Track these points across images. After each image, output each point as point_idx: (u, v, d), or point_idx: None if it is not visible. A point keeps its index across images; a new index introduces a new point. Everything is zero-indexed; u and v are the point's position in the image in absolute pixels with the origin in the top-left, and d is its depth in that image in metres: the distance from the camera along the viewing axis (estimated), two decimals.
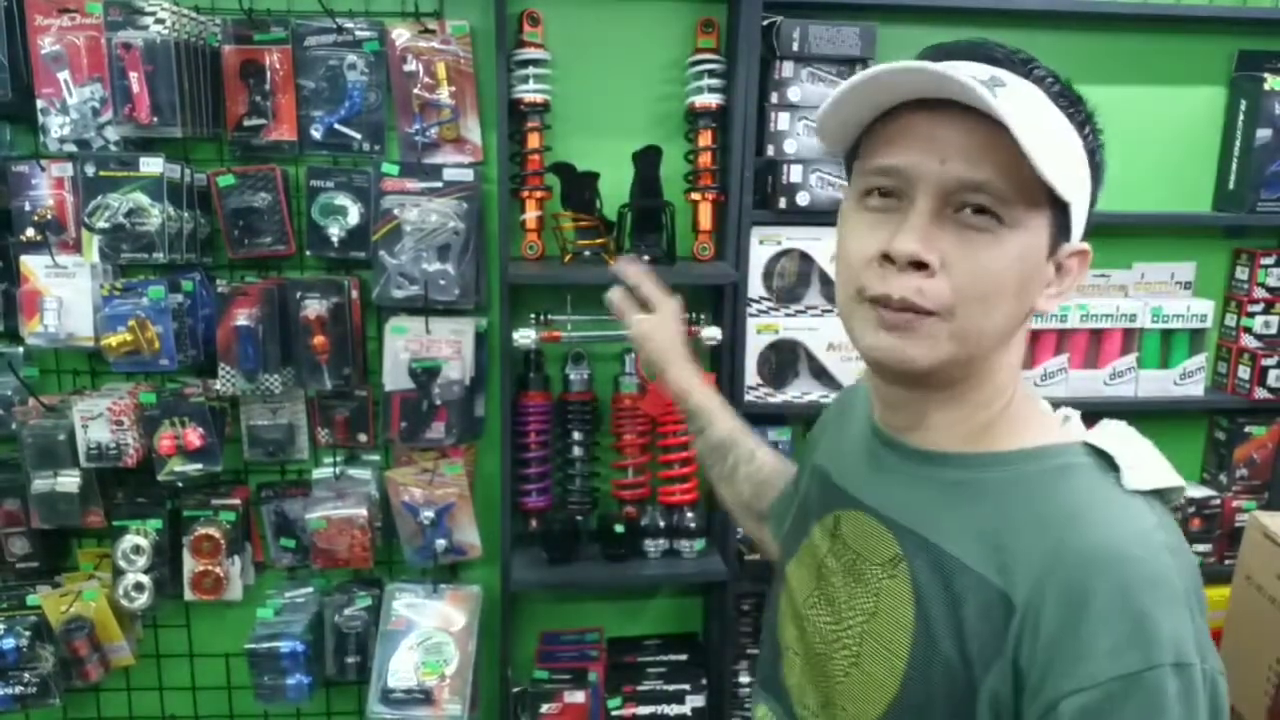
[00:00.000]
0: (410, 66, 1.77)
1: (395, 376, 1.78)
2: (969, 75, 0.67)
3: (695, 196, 1.85)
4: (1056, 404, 0.83)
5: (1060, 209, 0.71)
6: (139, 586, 1.82)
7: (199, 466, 1.78)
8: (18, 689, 1.80)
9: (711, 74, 1.79)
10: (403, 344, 1.77)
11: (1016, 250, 0.69)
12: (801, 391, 1.93)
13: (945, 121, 0.69)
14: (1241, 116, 1.98)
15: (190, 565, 1.84)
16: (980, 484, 0.75)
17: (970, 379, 0.75)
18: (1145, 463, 0.72)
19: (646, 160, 1.78)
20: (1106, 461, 0.72)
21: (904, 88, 0.70)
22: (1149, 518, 0.69)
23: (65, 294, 1.72)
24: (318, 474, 1.91)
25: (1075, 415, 0.81)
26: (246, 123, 1.77)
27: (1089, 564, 0.66)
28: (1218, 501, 2.09)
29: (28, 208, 1.72)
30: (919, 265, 0.69)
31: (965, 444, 0.77)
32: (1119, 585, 0.64)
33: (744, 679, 2.01)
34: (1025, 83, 0.71)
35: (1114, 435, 0.75)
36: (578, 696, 1.90)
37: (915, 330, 0.71)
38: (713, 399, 1.18)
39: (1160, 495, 0.72)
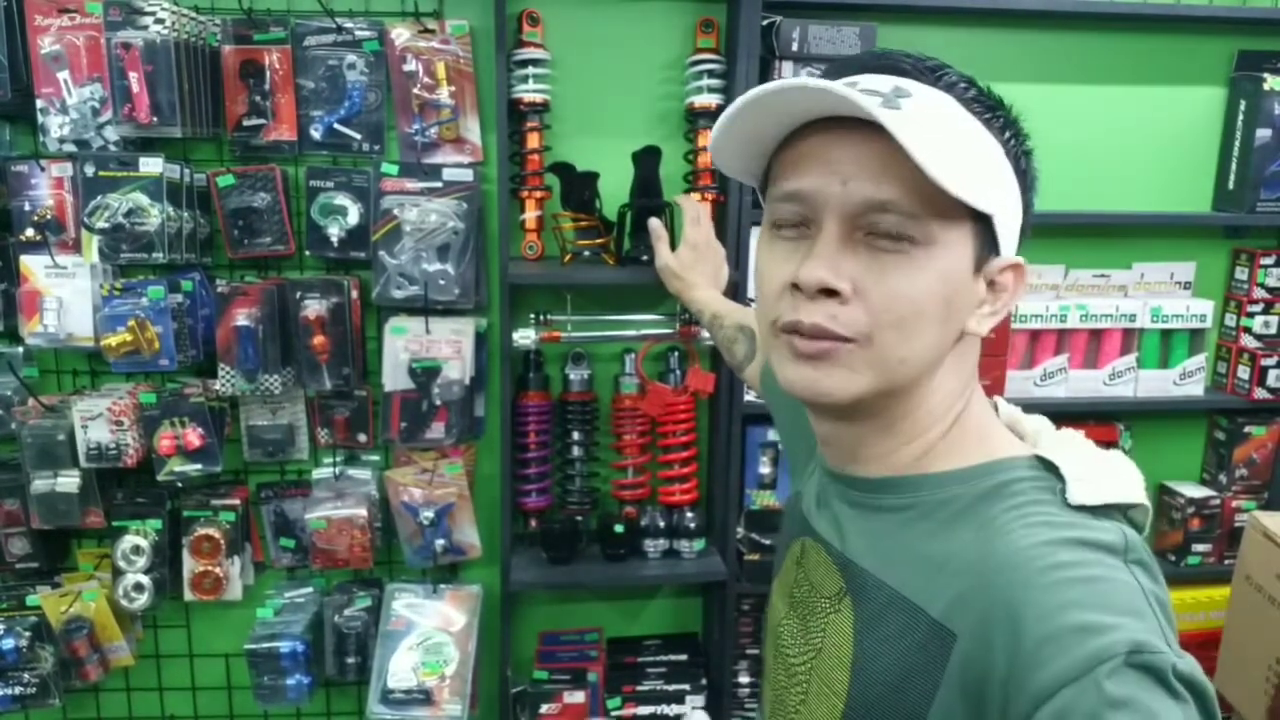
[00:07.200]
0: (410, 66, 1.77)
1: (395, 376, 1.77)
2: (869, 88, 0.64)
3: (695, 196, 1.85)
4: (1046, 412, 0.78)
5: (982, 221, 0.66)
6: (139, 587, 1.82)
7: (199, 467, 1.78)
8: (18, 689, 1.80)
9: (711, 74, 1.80)
10: (402, 344, 1.77)
11: (935, 270, 0.65)
12: None
13: (845, 140, 0.65)
14: (1241, 116, 1.98)
15: (190, 565, 1.84)
16: (916, 508, 0.71)
17: (896, 409, 0.71)
18: (1098, 475, 0.65)
19: (646, 160, 1.77)
20: (1055, 474, 0.67)
21: (799, 107, 0.66)
22: (1093, 527, 0.62)
23: (65, 294, 1.72)
24: (317, 474, 1.91)
25: (1046, 428, 0.75)
26: (246, 123, 1.77)
27: (1011, 572, 0.60)
28: (1217, 501, 2.09)
29: (27, 207, 1.72)
30: (830, 292, 0.65)
31: (905, 469, 0.73)
32: (1049, 585, 0.59)
33: (744, 679, 2.01)
34: (934, 90, 0.67)
35: (1067, 446, 0.69)
36: (577, 697, 1.90)
37: (831, 360, 0.67)
38: (709, 300, 1.52)
39: (1123, 515, 0.65)
